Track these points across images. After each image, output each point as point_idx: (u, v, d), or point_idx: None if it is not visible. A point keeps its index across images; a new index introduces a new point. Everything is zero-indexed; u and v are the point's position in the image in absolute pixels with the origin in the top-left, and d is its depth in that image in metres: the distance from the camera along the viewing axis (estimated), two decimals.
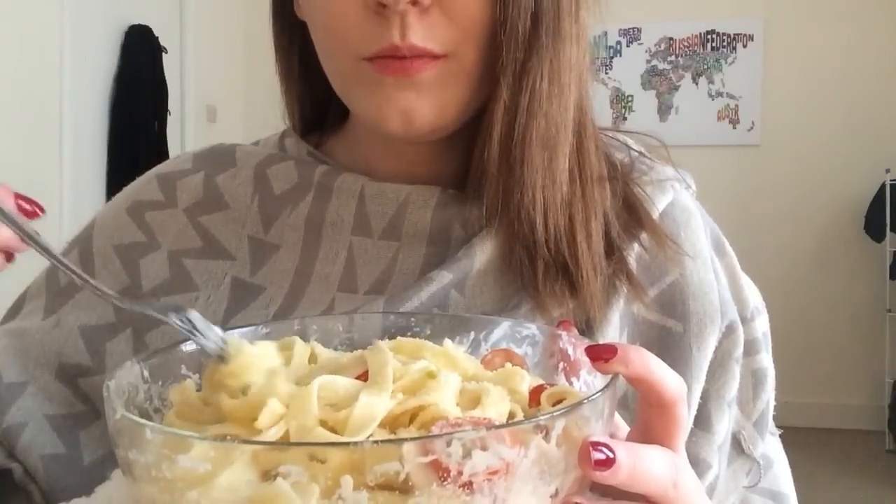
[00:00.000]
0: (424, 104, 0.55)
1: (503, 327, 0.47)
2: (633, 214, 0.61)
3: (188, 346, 0.44)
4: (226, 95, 4.33)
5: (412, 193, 0.61)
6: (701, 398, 0.58)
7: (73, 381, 0.60)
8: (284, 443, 0.34)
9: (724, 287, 0.61)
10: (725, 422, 0.59)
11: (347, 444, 0.33)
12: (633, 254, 0.60)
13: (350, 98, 0.59)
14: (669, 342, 0.58)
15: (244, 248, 0.62)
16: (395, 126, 0.56)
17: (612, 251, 0.59)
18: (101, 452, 0.58)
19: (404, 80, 0.54)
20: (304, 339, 0.46)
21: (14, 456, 0.58)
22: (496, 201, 0.57)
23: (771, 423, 0.64)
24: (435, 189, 0.61)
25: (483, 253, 0.58)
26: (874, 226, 4.12)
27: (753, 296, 0.64)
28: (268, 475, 0.31)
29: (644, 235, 0.60)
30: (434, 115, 0.56)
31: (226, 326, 0.55)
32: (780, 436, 0.66)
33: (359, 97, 0.58)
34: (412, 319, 0.48)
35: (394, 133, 0.56)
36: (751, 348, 0.62)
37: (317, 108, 0.68)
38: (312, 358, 0.44)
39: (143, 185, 0.67)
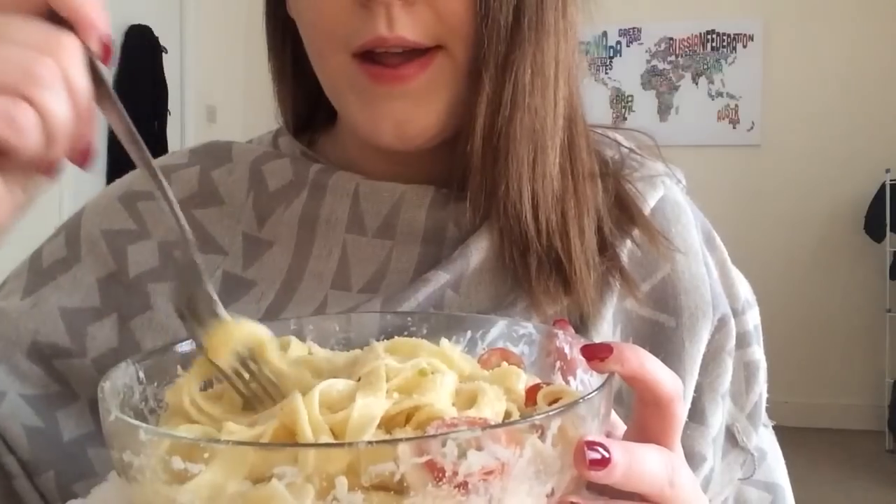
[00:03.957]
0: (418, 114, 0.55)
1: (500, 326, 0.47)
2: (624, 211, 0.61)
3: (183, 347, 0.44)
4: (226, 95, 4.33)
5: (407, 192, 0.61)
6: (695, 392, 0.59)
7: (46, 361, 0.59)
8: (278, 444, 0.34)
9: (715, 281, 0.62)
10: (719, 415, 0.60)
11: (342, 444, 0.33)
12: (626, 250, 0.60)
13: (342, 105, 0.59)
14: (662, 337, 0.58)
15: (237, 244, 0.62)
16: (389, 139, 0.56)
17: (605, 248, 0.59)
18: (79, 432, 0.57)
19: (397, 89, 0.55)
20: (301, 338, 0.46)
21: None
22: (480, 195, 0.58)
23: (764, 416, 0.64)
24: (429, 188, 0.61)
25: (478, 252, 0.58)
26: (874, 226, 4.12)
27: (744, 289, 0.64)
28: (262, 476, 0.31)
29: (636, 232, 0.60)
30: (427, 123, 0.56)
31: None
32: (781, 436, 0.66)
33: (351, 106, 0.58)
34: (408, 319, 0.48)
35: (388, 145, 0.57)
36: (743, 341, 0.62)
37: (309, 107, 0.68)
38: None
39: (137, 177, 0.66)
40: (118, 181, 0.68)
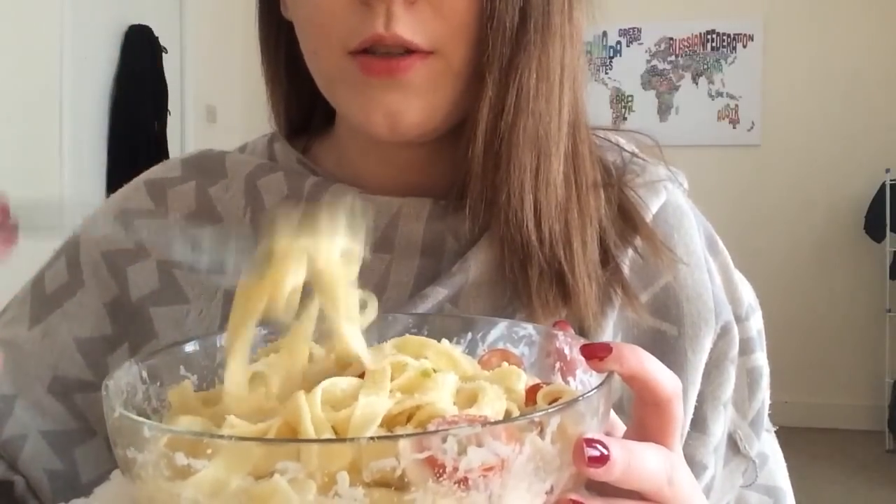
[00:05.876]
0: (411, 106, 0.54)
1: (500, 328, 0.47)
2: (627, 221, 0.60)
3: (187, 347, 0.44)
4: (226, 95, 4.33)
5: (404, 206, 0.60)
6: (697, 400, 0.58)
7: (67, 396, 0.58)
8: (280, 439, 0.34)
9: (717, 287, 0.61)
10: (721, 423, 0.59)
11: (344, 440, 0.33)
12: (627, 260, 0.59)
13: (335, 98, 0.58)
14: (664, 346, 0.58)
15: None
16: (381, 128, 0.55)
17: (608, 260, 0.58)
18: (98, 472, 0.56)
19: (390, 82, 0.53)
20: None
21: (16, 469, 0.57)
22: (480, 203, 0.56)
23: (766, 421, 0.63)
24: (427, 201, 0.60)
25: (477, 265, 0.57)
26: (874, 226, 4.12)
27: (747, 294, 0.63)
28: (265, 472, 0.32)
29: (638, 241, 0.59)
30: (421, 117, 0.55)
31: (223, 329, 0.55)
32: (781, 436, 0.65)
33: (344, 97, 0.57)
34: (409, 320, 0.48)
35: (379, 136, 0.55)
36: (746, 347, 0.61)
37: (303, 111, 0.67)
38: (310, 358, 0.44)
39: (132, 192, 0.65)
40: (111, 199, 0.66)
